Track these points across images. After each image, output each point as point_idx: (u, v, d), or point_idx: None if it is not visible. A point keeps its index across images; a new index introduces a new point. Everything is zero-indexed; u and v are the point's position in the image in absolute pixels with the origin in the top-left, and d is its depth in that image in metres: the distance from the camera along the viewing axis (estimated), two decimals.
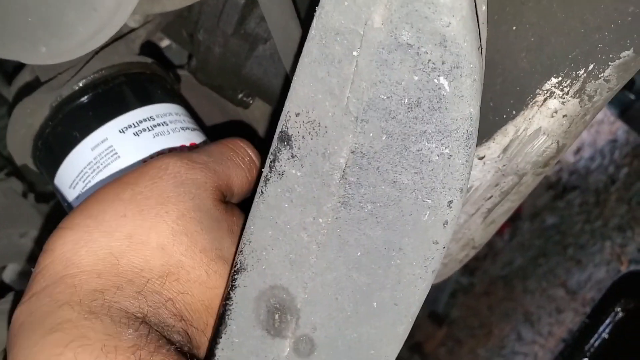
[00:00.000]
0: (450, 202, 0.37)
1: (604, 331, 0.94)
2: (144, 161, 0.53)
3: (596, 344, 0.95)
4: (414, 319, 0.40)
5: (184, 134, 0.59)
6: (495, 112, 0.43)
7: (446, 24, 0.30)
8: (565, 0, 0.40)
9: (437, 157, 0.35)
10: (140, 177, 0.43)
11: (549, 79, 0.41)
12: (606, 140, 2.29)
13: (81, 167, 0.55)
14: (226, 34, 0.62)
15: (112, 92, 0.58)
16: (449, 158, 0.35)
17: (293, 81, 0.37)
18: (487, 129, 0.44)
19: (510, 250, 2.17)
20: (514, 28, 0.41)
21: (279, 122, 0.38)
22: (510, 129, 0.43)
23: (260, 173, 0.48)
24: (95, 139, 0.55)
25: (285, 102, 0.37)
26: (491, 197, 0.47)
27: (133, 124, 0.56)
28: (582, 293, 1.72)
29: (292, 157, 0.38)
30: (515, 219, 2.25)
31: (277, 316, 0.41)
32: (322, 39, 0.34)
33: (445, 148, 0.35)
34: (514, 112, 0.43)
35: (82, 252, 0.40)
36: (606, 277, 1.65)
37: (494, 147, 0.44)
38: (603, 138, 2.31)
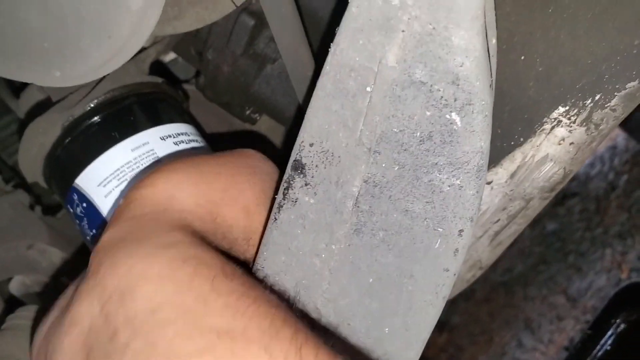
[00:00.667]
0: (461, 230, 0.37)
1: (606, 343, 0.95)
2: None
3: (599, 355, 0.96)
4: (425, 343, 0.41)
5: (197, 152, 0.60)
6: (503, 139, 0.44)
7: (459, 64, 0.31)
8: (572, 32, 0.41)
9: (449, 188, 0.36)
10: (230, 153, 0.46)
11: (556, 107, 0.42)
12: (606, 147, 2.29)
13: (117, 166, 0.56)
14: (235, 54, 0.63)
15: (123, 112, 0.59)
16: (460, 189, 0.36)
17: (307, 112, 0.37)
18: (495, 155, 0.45)
19: (511, 257, 2.18)
20: (522, 58, 0.42)
21: (293, 151, 0.39)
22: (518, 156, 0.44)
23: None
24: (127, 146, 0.57)
25: (300, 132, 0.38)
26: (498, 220, 0.47)
27: (142, 144, 0.57)
28: (583, 301, 1.72)
29: (306, 185, 0.39)
30: None
31: None
32: (336, 74, 0.35)
33: (457, 179, 0.36)
34: (522, 139, 0.44)
35: (185, 193, 0.40)
36: (607, 285, 1.66)
37: (501, 173, 0.45)
38: (603, 144, 2.31)
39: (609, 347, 0.97)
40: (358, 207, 0.38)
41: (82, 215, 0.57)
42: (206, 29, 0.64)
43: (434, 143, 0.35)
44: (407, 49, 0.32)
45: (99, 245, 0.37)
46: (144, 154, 0.56)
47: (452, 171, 0.36)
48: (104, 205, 0.56)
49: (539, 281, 2.00)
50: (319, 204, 0.39)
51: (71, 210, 0.59)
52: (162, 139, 0.58)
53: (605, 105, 0.41)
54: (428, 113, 0.34)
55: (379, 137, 0.36)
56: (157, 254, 0.34)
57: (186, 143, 0.59)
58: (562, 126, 0.42)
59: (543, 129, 0.43)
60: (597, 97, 0.41)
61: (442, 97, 0.33)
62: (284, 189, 0.40)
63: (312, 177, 0.39)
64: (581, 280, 1.82)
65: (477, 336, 2.07)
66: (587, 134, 0.43)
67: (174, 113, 0.62)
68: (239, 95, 0.68)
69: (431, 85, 0.33)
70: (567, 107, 0.42)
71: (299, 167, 0.39)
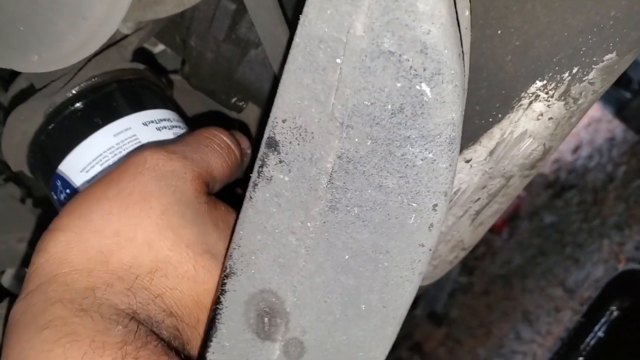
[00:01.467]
0: (435, 205, 0.37)
1: (599, 330, 0.95)
2: None
3: (592, 342, 0.95)
4: (402, 320, 0.41)
5: (159, 139, 0.60)
6: (481, 116, 0.44)
7: (426, 31, 0.31)
8: (548, 4, 0.40)
9: (421, 162, 0.36)
10: (122, 174, 0.44)
11: (533, 82, 0.42)
12: (604, 139, 2.29)
13: (100, 151, 0.56)
14: (218, 39, 0.63)
15: (105, 98, 0.58)
16: (432, 162, 0.36)
17: (279, 88, 0.37)
18: (473, 133, 0.44)
19: (509, 249, 2.18)
20: (499, 32, 0.42)
21: (266, 128, 0.38)
22: (496, 132, 0.44)
23: (238, 162, 0.49)
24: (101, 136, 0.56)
25: (272, 108, 0.38)
26: (479, 199, 0.47)
27: (124, 130, 0.57)
28: (580, 292, 1.72)
29: (280, 162, 0.39)
30: (513, 218, 2.26)
31: (266, 320, 0.42)
32: (306, 46, 0.35)
33: (429, 153, 0.36)
34: (500, 115, 0.43)
35: (73, 252, 0.42)
36: (604, 275, 1.66)
37: (480, 150, 0.45)
38: (601, 136, 2.31)
39: (602, 335, 0.97)
40: (332, 183, 0.38)
41: (66, 201, 0.57)
42: (189, 16, 0.64)
43: (406, 116, 0.35)
44: (373, 16, 0.31)
45: (10, 316, 0.41)
46: (126, 139, 0.56)
47: (425, 144, 0.35)
48: None
49: (537, 273, 1.99)
50: (294, 182, 0.39)
51: (55, 197, 0.59)
52: (145, 124, 0.58)
53: (583, 79, 0.41)
54: (398, 84, 0.34)
55: (350, 111, 0.36)
56: (35, 339, 0.38)
57: (169, 129, 0.59)
58: (540, 101, 0.42)
59: (521, 105, 0.42)
60: (574, 71, 0.41)
61: (411, 67, 0.33)
62: (259, 166, 0.39)
63: (286, 154, 0.38)
64: (579, 271, 1.82)
65: (475, 329, 2.06)
66: (566, 109, 0.42)
67: (156, 99, 0.62)
68: (223, 82, 0.67)
69: (400, 55, 0.32)
70: (545, 82, 0.41)
71: (273, 144, 0.38)
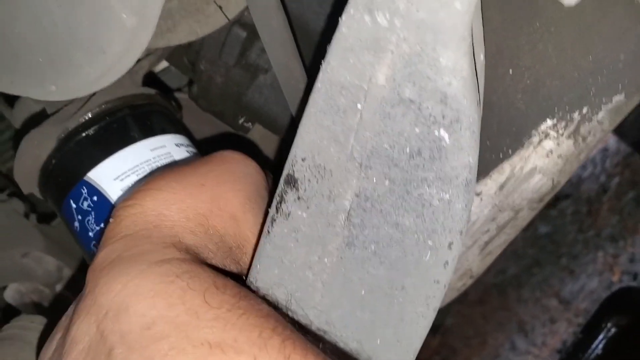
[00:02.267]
0: (451, 243, 0.38)
1: (597, 347, 0.96)
2: None
3: (590, 359, 0.97)
4: (416, 354, 0.42)
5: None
6: (492, 151, 0.45)
7: (447, 83, 0.32)
8: (559, 46, 0.41)
9: (438, 202, 0.37)
10: (210, 159, 0.46)
11: (544, 120, 0.43)
12: (598, 150, 2.31)
13: (137, 162, 0.57)
14: (228, 64, 0.64)
15: (118, 124, 0.59)
16: (449, 203, 0.37)
17: (299, 128, 0.38)
18: (484, 167, 0.45)
19: (504, 259, 2.19)
20: (511, 71, 0.43)
21: (285, 165, 0.39)
22: (506, 168, 0.45)
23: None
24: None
25: (292, 146, 0.39)
26: (488, 230, 0.48)
27: (160, 146, 0.59)
28: (575, 303, 1.74)
29: (299, 199, 0.40)
30: None
31: None
32: (327, 91, 0.36)
33: (446, 194, 0.37)
34: (510, 151, 0.44)
35: (173, 209, 0.40)
36: (598, 287, 1.67)
37: (490, 184, 0.46)
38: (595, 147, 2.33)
39: (600, 352, 0.98)
40: (350, 220, 0.39)
41: (89, 209, 0.58)
42: (199, 40, 0.65)
43: (423, 159, 0.36)
44: (396, 68, 0.33)
45: (94, 263, 0.37)
46: (162, 154, 0.58)
47: (441, 186, 0.36)
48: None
49: (532, 283, 2.01)
50: (312, 218, 0.40)
51: (73, 205, 0.59)
52: (177, 145, 0.61)
53: (592, 119, 0.42)
54: (417, 130, 0.35)
55: (369, 153, 0.37)
56: (150, 270, 0.35)
57: (178, 154, 0.60)
58: (550, 139, 0.43)
59: (531, 142, 0.43)
60: (584, 111, 0.42)
61: (430, 114, 0.34)
62: (277, 202, 0.40)
63: (305, 191, 0.39)
64: (574, 282, 1.83)
65: (470, 339, 2.07)
66: (575, 147, 0.43)
67: (167, 124, 0.63)
68: (232, 105, 0.68)
69: (420, 103, 0.33)
70: (555, 120, 0.42)
71: (292, 181, 0.39)
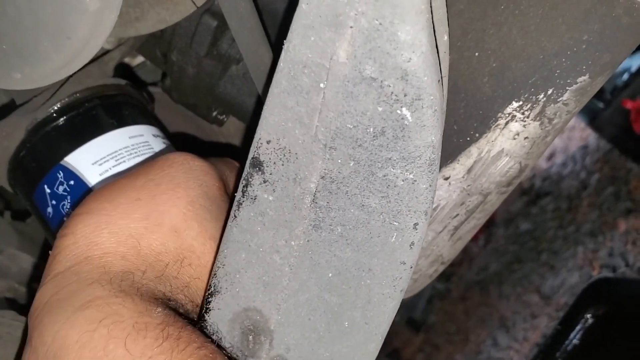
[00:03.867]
0: (416, 224, 0.38)
1: (574, 337, 0.97)
2: None
3: (567, 349, 0.97)
4: (384, 336, 0.42)
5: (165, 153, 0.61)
6: (459, 135, 0.45)
7: (407, 59, 0.32)
8: (524, 28, 0.42)
9: (402, 182, 0.37)
10: (151, 167, 0.45)
11: (510, 103, 0.43)
12: (578, 147, 2.33)
13: (116, 148, 0.57)
14: (199, 55, 0.63)
15: (87, 114, 0.59)
16: (413, 183, 0.37)
17: (264, 110, 0.38)
18: (451, 151, 0.45)
19: (485, 256, 2.20)
20: (477, 54, 0.43)
21: (251, 148, 0.39)
22: (473, 151, 0.45)
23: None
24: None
25: (257, 129, 0.39)
26: (457, 215, 0.48)
27: (138, 135, 0.59)
28: (556, 298, 1.75)
29: (264, 182, 0.39)
30: (489, 225, 2.29)
31: (251, 337, 0.42)
32: (290, 71, 0.35)
33: (410, 174, 0.36)
34: (477, 134, 0.44)
35: (104, 234, 0.41)
36: (579, 282, 1.68)
37: (458, 168, 0.46)
38: (575, 144, 2.35)
39: (577, 342, 0.99)
40: (316, 203, 0.39)
41: (65, 193, 0.57)
42: (170, 31, 0.64)
43: (387, 138, 0.36)
44: (356, 45, 0.32)
45: (32, 306, 0.40)
46: (141, 143, 0.59)
47: (405, 166, 0.36)
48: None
49: (514, 279, 2.02)
50: (278, 201, 0.39)
51: (48, 190, 0.58)
52: (154, 135, 0.61)
53: (558, 100, 0.42)
54: (380, 109, 0.35)
55: (334, 133, 0.36)
56: (75, 317, 0.37)
57: (156, 144, 0.60)
58: (516, 121, 0.43)
59: (497, 124, 0.44)
60: (549, 92, 0.42)
61: (392, 92, 0.34)
62: (243, 186, 0.40)
63: (271, 174, 0.39)
64: (554, 278, 1.85)
65: (453, 335, 2.08)
66: (541, 129, 0.44)
67: (140, 115, 0.63)
68: (205, 97, 0.68)
69: (381, 81, 0.33)
70: (521, 102, 0.43)
71: (257, 165, 0.39)
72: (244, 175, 0.40)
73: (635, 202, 1.77)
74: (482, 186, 0.46)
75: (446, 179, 0.46)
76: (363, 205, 0.38)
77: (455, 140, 0.45)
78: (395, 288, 0.40)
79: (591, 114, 1.63)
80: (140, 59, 0.86)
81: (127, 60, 0.84)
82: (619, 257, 1.68)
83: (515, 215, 2.30)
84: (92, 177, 0.56)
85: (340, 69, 0.34)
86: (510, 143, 0.44)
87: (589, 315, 0.99)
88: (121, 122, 0.59)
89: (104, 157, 0.56)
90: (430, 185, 0.37)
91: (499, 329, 1.90)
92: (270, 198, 0.40)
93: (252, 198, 0.40)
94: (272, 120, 0.38)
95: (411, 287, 0.54)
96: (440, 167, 0.46)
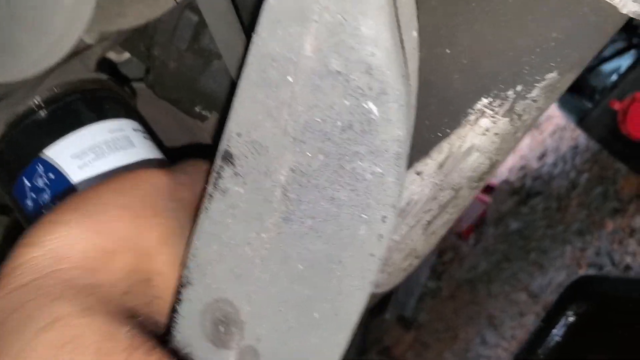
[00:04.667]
0: (384, 217, 0.39)
1: (557, 334, 0.98)
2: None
3: (549, 346, 0.98)
4: (354, 328, 0.42)
5: (149, 148, 0.61)
6: (430, 130, 0.45)
7: (370, 54, 0.32)
8: (495, 24, 0.42)
9: (371, 176, 0.37)
10: (134, 186, 0.44)
11: (480, 99, 0.43)
12: (568, 147, 2.34)
13: (96, 142, 0.57)
14: (180, 49, 0.64)
15: (67, 108, 0.59)
16: (381, 177, 0.37)
17: (234, 102, 0.38)
18: (423, 146, 0.46)
19: (475, 255, 2.21)
20: (448, 51, 0.43)
21: (221, 141, 0.40)
22: (445, 146, 0.45)
23: None
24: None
25: (227, 122, 0.39)
26: (430, 210, 0.49)
27: (118, 129, 0.59)
28: (544, 297, 1.76)
29: (235, 175, 0.40)
30: (480, 224, 2.29)
31: (222, 328, 0.43)
32: (259, 64, 0.36)
33: (377, 167, 0.37)
34: (448, 130, 0.45)
35: (75, 249, 0.39)
36: (566, 280, 1.69)
37: (430, 164, 0.46)
38: (565, 144, 2.37)
39: (559, 339, 1.00)
40: (286, 195, 0.39)
41: (45, 187, 0.57)
42: (152, 25, 0.65)
43: (355, 132, 0.36)
44: (321, 38, 0.33)
45: None
46: (121, 137, 0.59)
47: (373, 159, 0.37)
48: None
49: (502, 278, 2.03)
50: (249, 194, 0.40)
51: (27, 184, 0.58)
52: (135, 130, 0.61)
53: (527, 97, 0.43)
54: (347, 102, 0.35)
55: (302, 127, 0.37)
56: (37, 342, 0.35)
57: (150, 140, 0.61)
58: (486, 117, 0.44)
59: (468, 120, 0.44)
60: (518, 89, 0.43)
61: (358, 86, 0.34)
62: (214, 179, 0.40)
63: (242, 167, 0.39)
64: (542, 276, 1.86)
65: (442, 333, 2.09)
66: (511, 125, 0.44)
67: (121, 109, 0.63)
68: (187, 92, 0.68)
69: (347, 75, 0.34)
70: (490, 99, 0.43)
71: (228, 157, 0.39)
72: (214, 168, 0.40)
73: (622, 202, 1.79)
74: (454, 181, 0.47)
75: (419, 174, 0.47)
76: (333, 198, 0.39)
77: (427, 136, 0.46)
78: (364, 280, 0.41)
79: (578, 114, 1.64)
80: (126, 55, 0.86)
81: (114, 56, 0.85)
82: (606, 256, 1.69)
83: (505, 215, 2.31)
84: (71, 170, 0.57)
85: (306, 62, 0.34)
86: (480, 139, 0.45)
87: (570, 313, 1.00)
88: (101, 116, 0.59)
89: (84, 151, 0.57)
90: (397, 179, 0.37)
91: (487, 327, 1.91)
92: (241, 191, 0.40)
93: (223, 191, 0.40)
94: (242, 113, 0.38)
95: (386, 280, 0.55)
96: (413, 163, 0.47)
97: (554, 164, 2.36)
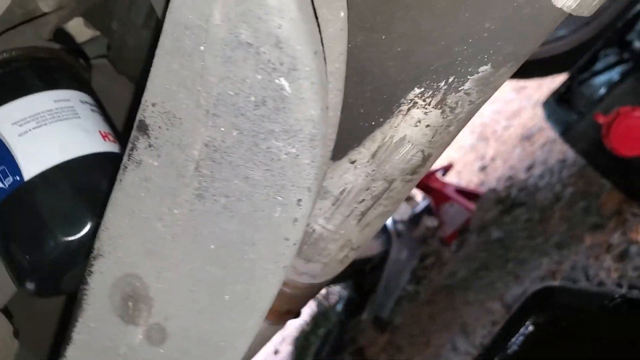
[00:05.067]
0: (300, 200, 0.38)
1: (514, 343, 0.96)
2: None
3: (506, 355, 0.97)
4: (265, 313, 0.41)
5: (94, 121, 0.60)
6: (365, 119, 0.44)
7: (277, 25, 0.31)
8: (431, 12, 0.41)
9: (285, 156, 0.36)
10: None
11: (412, 89, 0.42)
12: (556, 160, 2.33)
13: (39, 110, 0.56)
14: (137, 25, 0.63)
15: (13, 74, 0.58)
16: (296, 157, 0.36)
17: (150, 72, 0.37)
18: (358, 135, 0.45)
19: (456, 262, 2.19)
20: (383, 37, 0.42)
21: (138, 111, 0.38)
22: (378, 136, 0.44)
23: None
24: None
25: (144, 91, 0.38)
26: (363, 200, 0.48)
27: (64, 99, 0.58)
28: (516, 307, 1.74)
29: (150, 146, 0.39)
30: (464, 231, 2.28)
31: (131, 304, 0.42)
32: (173, 32, 0.35)
33: (292, 148, 0.36)
34: (382, 119, 0.44)
35: None
36: None
37: (364, 153, 0.45)
38: (554, 157, 2.35)
39: (516, 348, 0.99)
40: (199, 171, 0.38)
41: None
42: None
43: (269, 109, 0.35)
44: (228, 6, 0.32)
45: None
46: (66, 107, 0.57)
47: (288, 139, 0.36)
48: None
49: (479, 286, 2.01)
50: (162, 167, 0.39)
51: None
52: (82, 102, 0.59)
53: (459, 89, 0.42)
54: (259, 77, 0.34)
55: (215, 100, 0.36)
56: None
57: (99, 113, 0.60)
58: (417, 107, 0.43)
59: (400, 110, 0.43)
60: (450, 80, 0.41)
61: (269, 60, 0.33)
62: (129, 149, 0.39)
63: (156, 138, 0.38)
64: (517, 287, 1.84)
65: (416, 337, 2.08)
66: (443, 117, 0.43)
67: (72, 80, 0.62)
68: (145, 69, 0.67)
69: (257, 47, 0.33)
70: (422, 89, 0.42)
71: (143, 128, 0.38)
72: (130, 139, 0.39)
73: (603, 218, 1.77)
74: (387, 172, 0.46)
75: (352, 162, 0.46)
76: (247, 177, 0.38)
77: (361, 124, 0.45)
78: (278, 264, 0.40)
79: (563, 126, 1.62)
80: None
81: (85, 31, 0.83)
82: (580, 270, 1.68)
83: (489, 223, 2.29)
84: (10, 136, 0.55)
85: (217, 31, 0.33)
86: (412, 130, 0.44)
87: (529, 323, 0.99)
88: (48, 85, 0.58)
89: (25, 119, 0.56)
90: (312, 161, 0.36)
91: (459, 334, 1.89)
92: (155, 163, 0.39)
93: (137, 162, 0.39)
94: (157, 82, 0.37)
95: (322, 271, 0.53)
96: (347, 151, 0.46)
97: (541, 176, 2.35)
